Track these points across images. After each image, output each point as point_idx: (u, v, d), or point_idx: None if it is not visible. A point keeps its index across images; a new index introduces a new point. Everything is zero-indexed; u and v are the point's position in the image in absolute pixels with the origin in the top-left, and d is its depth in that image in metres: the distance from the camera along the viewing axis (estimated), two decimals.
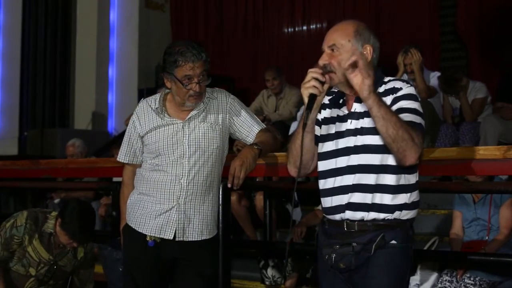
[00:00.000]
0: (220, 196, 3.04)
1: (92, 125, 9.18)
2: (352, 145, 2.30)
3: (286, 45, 8.41)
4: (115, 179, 4.78)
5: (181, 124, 2.86)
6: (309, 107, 2.26)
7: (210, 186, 2.89)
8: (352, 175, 2.28)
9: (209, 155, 2.86)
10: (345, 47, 2.28)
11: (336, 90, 2.44)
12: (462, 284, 3.89)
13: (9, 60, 9.71)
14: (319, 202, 2.46)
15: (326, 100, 2.46)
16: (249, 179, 3.09)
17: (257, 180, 4.45)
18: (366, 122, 2.27)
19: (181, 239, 2.83)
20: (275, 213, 4.79)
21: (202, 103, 2.88)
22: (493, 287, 3.92)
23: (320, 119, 2.44)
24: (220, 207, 3.06)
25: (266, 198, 4.76)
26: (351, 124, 2.32)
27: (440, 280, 4.00)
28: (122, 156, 3.01)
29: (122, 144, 3.03)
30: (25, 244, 3.65)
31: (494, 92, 5.54)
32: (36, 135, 8.74)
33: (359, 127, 2.30)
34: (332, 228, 2.35)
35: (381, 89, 2.32)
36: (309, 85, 2.24)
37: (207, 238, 2.89)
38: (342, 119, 2.36)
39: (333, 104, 2.43)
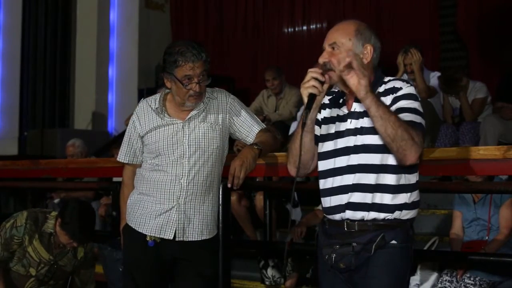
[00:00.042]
0: (220, 196, 3.04)
1: (92, 125, 9.18)
2: (352, 145, 2.30)
3: (286, 45, 8.41)
4: (115, 179, 4.78)
5: (181, 124, 2.86)
6: (309, 107, 2.26)
7: (210, 186, 2.89)
8: (352, 175, 2.28)
9: (209, 155, 2.86)
10: (345, 46, 2.28)
11: (336, 90, 2.44)
12: (462, 284, 3.89)
13: (9, 60, 9.71)
14: (319, 202, 2.46)
15: (326, 100, 2.46)
16: (249, 179, 3.09)
17: (257, 180, 4.45)
18: (365, 122, 2.27)
19: (181, 239, 2.83)
20: (275, 213, 4.79)
21: (202, 103, 2.88)
22: (493, 287, 3.92)
23: (320, 119, 2.44)
24: (220, 207, 3.06)
25: (266, 198, 4.77)
26: (351, 124, 2.32)
27: (440, 280, 4.00)
28: (122, 156, 3.01)
29: (122, 144, 3.03)
30: (25, 244, 3.65)
31: (494, 92, 5.54)
32: (36, 135, 8.74)
33: (358, 126, 2.30)
34: (332, 228, 2.35)
35: (381, 89, 2.32)
36: (309, 85, 2.24)
37: (207, 238, 2.89)
38: (342, 118, 2.36)
39: (333, 104, 2.43)
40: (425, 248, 4.22)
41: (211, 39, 8.98)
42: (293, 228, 4.65)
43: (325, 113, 2.45)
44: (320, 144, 2.42)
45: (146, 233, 2.85)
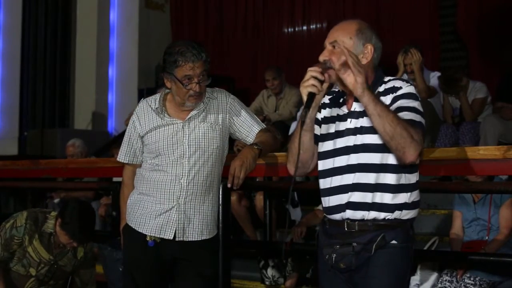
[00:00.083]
0: (220, 196, 3.04)
1: (92, 125, 9.18)
2: (352, 144, 2.30)
3: (286, 45, 8.41)
4: (115, 179, 4.78)
5: (181, 124, 2.86)
6: (308, 106, 2.26)
7: (210, 186, 2.89)
8: (352, 174, 2.28)
9: (209, 155, 2.86)
10: (346, 44, 2.28)
11: (336, 90, 2.44)
12: (462, 284, 3.89)
13: (9, 60, 9.71)
14: (319, 202, 2.46)
15: (326, 99, 2.46)
16: (249, 179, 3.09)
17: (257, 180, 4.45)
18: (365, 121, 2.27)
19: (181, 239, 2.83)
20: (275, 213, 4.79)
21: (202, 103, 2.88)
22: (493, 287, 3.92)
23: (320, 119, 2.44)
24: (220, 207, 3.06)
25: (266, 198, 4.77)
26: (350, 123, 2.32)
27: (440, 280, 4.00)
28: (122, 156, 3.01)
29: (122, 144, 3.03)
30: (25, 244, 3.65)
31: (494, 92, 5.54)
32: (36, 135, 8.74)
33: (358, 126, 2.30)
34: (333, 228, 2.35)
35: (381, 89, 2.32)
36: (308, 84, 2.24)
37: (207, 238, 2.89)
38: (342, 118, 2.37)
39: (333, 104, 2.43)
40: (425, 248, 4.22)
41: (211, 39, 8.98)
42: (293, 228, 4.66)
43: (325, 112, 2.45)
44: (320, 143, 2.42)
45: (146, 233, 2.85)
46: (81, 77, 9.38)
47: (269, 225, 4.72)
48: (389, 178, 2.25)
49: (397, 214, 2.26)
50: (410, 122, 2.17)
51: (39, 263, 3.68)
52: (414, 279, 4.08)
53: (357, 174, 2.27)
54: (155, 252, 2.85)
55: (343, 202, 2.30)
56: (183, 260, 2.87)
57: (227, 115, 2.94)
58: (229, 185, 2.84)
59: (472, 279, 3.87)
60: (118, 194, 3.27)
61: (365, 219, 2.26)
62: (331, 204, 2.34)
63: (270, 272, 4.65)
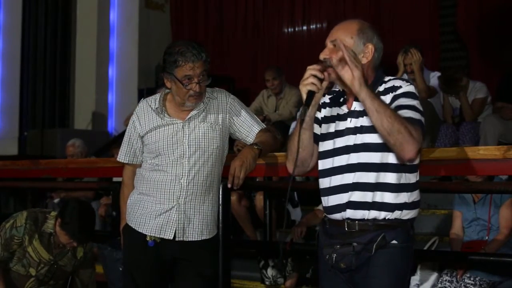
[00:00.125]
0: (220, 196, 3.04)
1: (92, 125, 9.18)
2: (352, 144, 2.30)
3: (286, 45, 8.41)
4: (115, 179, 4.78)
5: (181, 124, 2.86)
6: (307, 103, 2.26)
7: (210, 186, 2.89)
8: (352, 174, 2.28)
9: (209, 155, 2.86)
10: (347, 43, 2.29)
11: (337, 89, 2.45)
12: (462, 284, 3.89)
13: (9, 60, 9.71)
14: (319, 202, 2.46)
15: (326, 99, 2.47)
16: (249, 179, 3.10)
17: (257, 180, 4.45)
18: (365, 121, 2.27)
19: (181, 239, 2.83)
20: (275, 213, 4.79)
21: (202, 103, 2.88)
22: (493, 287, 3.92)
23: (320, 118, 2.45)
24: (220, 207, 3.06)
25: (266, 198, 4.77)
26: (350, 123, 2.33)
27: (440, 280, 4.00)
28: (122, 156, 3.01)
29: (122, 144, 3.03)
30: (25, 244, 3.65)
31: (494, 92, 5.54)
32: (36, 135, 8.74)
33: (358, 125, 2.30)
34: (333, 228, 2.35)
35: (381, 88, 2.32)
36: (308, 82, 2.24)
37: (207, 238, 2.89)
38: (342, 117, 2.37)
39: (334, 103, 2.43)
40: (425, 248, 4.22)
41: (211, 39, 8.98)
42: (293, 228, 4.65)
43: (325, 112, 2.45)
44: (320, 143, 2.42)
45: (146, 233, 2.85)
46: (81, 77, 9.38)
47: (269, 225, 4.72)
48: (390, 177, 2.25)
49: (397, 214, 2.26)
50: (409, 120, 2.17)
51: (39, 263, 3.68)
52: (414, 279, 4.08)
53: (357, 173, 2.27)
54: (155, 252, 2.85)
55: (343, 201, 2.30)
56: (183, 260, 2.87)
57: (227, 115, 2.94)
58: (229, 185, 2.84)
59: (472, 279, 3.88)
60: (118, 194, 3.27)
61: (366, 218, 2.26)
62: (331, 204, 2.34)
63: (270, 272, 4.65)
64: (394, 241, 2.26)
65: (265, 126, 3.06)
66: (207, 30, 9.14)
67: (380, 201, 2.25)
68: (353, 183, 2.28)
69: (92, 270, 3.90)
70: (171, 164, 2.83)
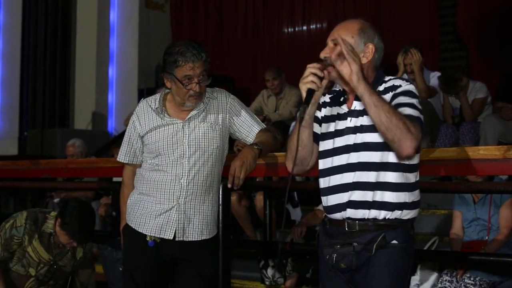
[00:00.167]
0: (220, 196, 3.04)
1: (92, 125, 9.18)
2: (352, 143, 2.30)
3: (286, 45, 8.41)
4: (115, 179, 4.78)
5: (181, 124, 2.86)
6: (307, 102, 2.26)
7: (210, 186, 2.89)
8: (352, 173, 2.28)
9: (209, 155, 2.86)
10: (347, 43, 2.29)
11: (337, 89, 2.45)
12: (462, 284, 3.89)
13: (9, 60, 9.71)
14: (319, 202, 2.47)
15: (327, 98, 2.47)
16: (249, 179, 3.10)
17: (257, 180, 4.45)
18: (366, 120, 2.27)
19: (181, 239, 2.83)
20: (275, 213, 4.79)
21: (202, 103, 2.88)
22: (493, 287, 3.92)
23: (320, 117, 2.45)
24: (220, 207, 3.06)
25: (266, 198, 4.77)
26: (350, 122, 2.33)
27: (440, 280, 4.00)
28: (122, 156, 3.01)
29: (122, 144, 3.03)
30: (25, 244, 3.65)
31: (494, 92, 5.54)
32: (36, 135, 8.74)
33: (358, 125, 2.30)
34: (333, 228, 2.35)
35: (381, 88, 2.32)
36: (307, 80, 2.25)
37: (207, 238, 2.89)
38: (342, 117, 2.37)
39: (334, 102, 2.44)
40: (425, 248, 4.22)
41: (211, 39, 8.98)
42: (293, 228, 4.66)
43: (325, 111, 2.45)
44: (320, 142, 2.43)
45: (146, 233, 2.85)
46: (81, 77, 9.38)
47: (269, 225, 4.72)
48: (390, 177, 2.25)
49: (397, 214, 2.26)
50: (409, 117, 2.17)
51: (39, 263, 3.68)
52: (414, 279, 4.08)
53: (357, 172, 2.27)
54: (155, 252, 2.85)
55: (344, 201, 2.30)
56: (183, 260, 2.87)
57: (227, 115, 2.94)
58: (229, 186, 2.84)
59: (472, 279, 3.88)
60: (118, 194, 3.26)
61: (366, 218, 2.26)
62: (331, 203, 2.34)
63: (270, 272, 4.65)
64: (394, 241, 2.26)
65: (265, 126, 3.06)
66: (207, 30, 9.14)
67: (380, 200, 2.25)
68: (353, 182, 2.28)
69: (91, 271, 3.90)
70: (171, 164, 2.83)
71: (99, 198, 6.12)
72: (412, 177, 2.30)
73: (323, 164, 2.39)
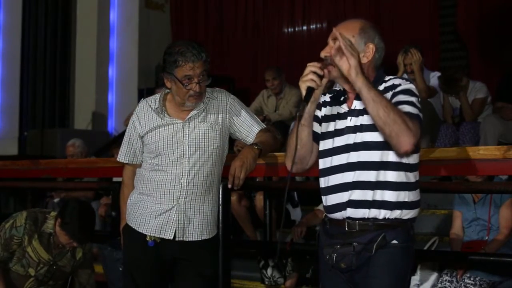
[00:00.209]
0: (220, 196, 3.04)
1: (92, 125, 9.18)
2: (352, 142, 2.30)
3: (286, 45, 8.41)
4: (115, 179, 4.78)
5: (181, 124, 2.86)
6: (306, 99, 2.27)
7: (210, 186, 2.89)
8: (352, 172, 2.28)
9: (209, 155, 2.86)
10: (346, 38, 2.29)
11: (338, 89, 2.45)
12: (462, 284, 3.89)
13: (9, 60, 9.71)
14: (319, 202, 2.47)
15: (327, 97, 2.47)
16: (249, 179, 3.09)
17: (257, 180, 4.45)
18: (366, 119, 2.28)
19: (181, 239, 2.83)
20: (275, 213, 4.79)
21: (202, 103, 2.88)
22: (493, 287, 3.92)
23: (320, 117, 2.45)
24: (220, 207, 3.06)
25: (266, 198, 4.77)
26: (350, 122, 2.33)
27: (440, 280, 4.00)
28: (122, 156, 3.01)
29: (122, 144, 3.03)
30: (25, 244, 3.65)
31: (494, 92, 5.54)
32: (36, 135, 8.74)
33: (358, 124, 2.30)
34: (334, 228, 2.35)
35: (381, 87, 2.32)
36: (307, 79, 2.25)
37: (207, 238, 2.89)
38: (342, 116, 2.37)
39: (334, 102, 2.44)
40: (425, 248, 4.22)
41: (211, 39, 8.98)
42: (293, 228, 4.66)
43: (325, 110, 2.45)
44: (321, 142, 2.43)
45: (146, 233, 2.85)
46: (81, 77, 9.38)
47: (269, 225, 4.72)
48: (390, 176, 2.25)
49: (397, 214, 2.26)
50: (408, 114, 2.17)
51: (38, 263, 3.68)
52: (414, 279, 4.08)
53: (357, 172, 2.27)
54: (155, 252, 2.85)
55: (344, 200, 2.30)
56: (183, 260, 2.87)
57: (227, 115, 2.94)
58: (229, 186, 2.84)
59: (472, 279, 3.88)
60: (118, 194, 3.27)
61: (366, 217, 2.26)
62: (331, 203, 2.34)
63: (270, 272, 4.65)
64: (394, 241, 2.26)
65: (265, 126, 3.06)
66: (207, 30, 9.14)
67: (380, 199, 2.25)
68: (353, 181, 2.28)
69: (90, 272, 3.89)
70: (171, 164, 2.83)
71: (99, 198, 6.12)
72: (412, 177, 2.30)
73: (323, 163, 2.39)
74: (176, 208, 2.82)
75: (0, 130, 9.57)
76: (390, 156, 2.25)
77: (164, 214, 2.83)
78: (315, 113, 2.43)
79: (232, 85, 7.92)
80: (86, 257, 3.82)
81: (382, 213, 2.26)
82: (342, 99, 2.41)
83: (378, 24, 7.17)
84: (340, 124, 2.36)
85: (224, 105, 2.94)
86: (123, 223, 3.02)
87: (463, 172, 3.46)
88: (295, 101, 6.43)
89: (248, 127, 2.97)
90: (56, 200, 6.22)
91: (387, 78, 2.36)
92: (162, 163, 2.85)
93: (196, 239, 2.85)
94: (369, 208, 2.26)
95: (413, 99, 2.25)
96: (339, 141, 2.34)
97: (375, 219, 2.26)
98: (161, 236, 2.83)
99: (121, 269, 3.60)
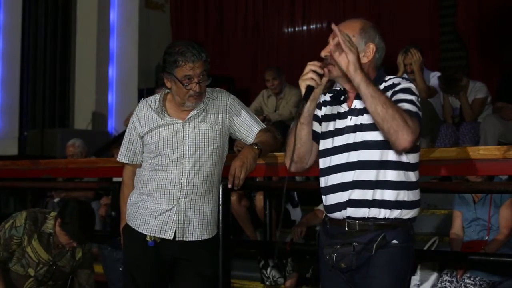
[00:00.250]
0: (220, 196, 3.04)
1: (92, 125, 9.18)
2: (352, 142, 2.30)
3: (286, 45, 8.41)
4: (115, 179, 4.78)
5: (181, 124, 2.86)
6: (306, 98, 2.27)
7: (210, 186, 2.89)
8: (352, 172, 2.28)
9: (209, 155, 2.86)
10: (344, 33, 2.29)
11: (338, 88, 2.45)
12: (462, 284, 3.89)
13: (9, 60, 9.71)
14: (319, 202, 2.47)
15: (327, 97, 2.47)
16: (249, 179, 3.09)
17: (257, 180, 4.45)
18: (366, 119, 2.28)
19: (181, 239, 2.83)
20: (275, 213, 4.79)
21: (202, 103, 2.88)
22: (493, 287, 3.92)
23: (320, 116, 2.45)
24: (220, 207, 3.06)
25: (266, 198, 4.77)
26: (350, 121, 2.33)
27: (440, 280, 4.00)
28: (122, 156, 3.01)
29: (122, 144, 3.03)
30: (24, 244, 3.65)
31: (494, 92, 5.54)
32: (36, 135, 8.74)
33: (358, 123, 2.31)
34: (334, 228, 2.35)
35: (381, 87, 2.32)
36: (307, 77, 2.26)
37: (207, 238, 2.89)
38: (342, 116, 2.37)
39: (334, 101, 2.44)
40: (425, 248, 4.22)
41: (211, 39, 8.98)
42: (293, 228, 4.66)
43: (325, 110, 2.45)
44: (321, 141, 2.43)
45: (146, 233, 2.85)
46: (81, 77, 9.38)
47: (269, 225, 4.72)
48: (390, 175, 2.25)
49: (397, 213, 2.26)
50: (407, 112, 2.17)
51: (38, 264, 3.68)
52: (414, 279, 4.08)
53: (357, 171, 2.27)
54: (155, 252, 2.85)
55: (344, 200, 2.30)
56: (183, 260, 2.87)
57: (227, 115, 2.94)
58: (229, 186, 2.84)
59: (472, 279, 3.88)
60: (118, 194, 3.27)
61: (366, 217, 2.26)
62: (331, 202, 2.34)
63: (270, 272, 4.65)
64: (394, 241, 2.26)
65: (265, 126, 3.06)
66: (207, 30, 9.14)
67: (380, 198, 2.25)
68: (353, 181, 2.28)
69: (90, 272, 3.88)
70: (171, 164, 2.83)
71: (99, 198, 6.12)
72: (412, 176, 2.30)
73: (323, 163, 2.39)
74: (176, 208, 2.82)
75: (0, 130, 9.57)
76: (390, 155, 2.25)
77: (164, 214, 2.83)
78: (315, 113, 2.43)
79: (232, 85, 7.91)
80: (86, 257, 3.82)
81: (382, 213, 2.26)
82: (342, 98, 2.41)
83: (378, 24, 7.12)
84: (340, 123, 2.36)
85: (224, 105, 2.94)
86: (123, 223, 3.02)
87: (463, 172, 3.46)
88: (295, 101, 6.42)
89: (248, 127, 2.97)
90: (56, 200, 6.22)
91: (387, 77, 2.37)
92: (162, 163, 2.85)
93: (196, 239, 2.85)
94: (369, 208, 2.26)
95: (413, 97, 2.25)
96: (339, 140, 2.34)
97: (375, 218, 2.26)
98: (161, 236, 2.83)
99: (121, 269, 3.60)
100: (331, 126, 2.40)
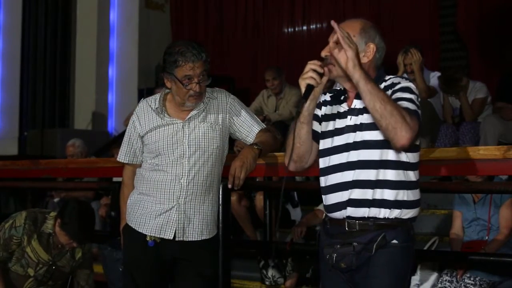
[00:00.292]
0: (220, 196, 3.04)
1: (92, 125, 9.19)
2: (352, 141, 2.31)
3: (286, 45, 8.41)
4: (115, 179, 4.78)
5: (181, 124, 2.86)
6: (305, 97, 2.27)
7: (210, 186, 2.89)
8: (352, 171, 2.29)
9: (209, 155, 2.86)
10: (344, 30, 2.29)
11: (338, 88, 2.45)
12: (462, 284, 3.89)
13: (9, 60, 9.71)
14: (319, 202, 2.47)
15: (327, 97, 2.48)
16: (249, 179, 3.09)
17: (257, 180, 4.45)
18: (365, 118, 2.28)
19: (181, 239, 2.83)
20: (275, 213, 4.79)
21: (202, 103, 2.88)
22: (493, 287, 3.92)
23: (320, 116, 2.45)
24: (220, 207, 3.06)
25: (266, 198, 4.77)
26: (350, 121, 2.33)
27: (440, 280, 4.00)
28: (122, 156, 3.01)
29: (122, 144, 3.03)
30: (24, 244, 3.65)
31: (494, 92, 5.54)
32: (36, 135, 8.74)
33: (358, 123, 2.31)
34: (334, 228, 2.35)
35: (381, 86, 2.32)
36: (307, 76, 2.26)
37: (207, 238, 2.89)
38: (342, 115, 2.38)
39: (334, 101, 2.44)
40: (425, 248, 4.22)
41: (211, 39, 8.98)
42: (293, 228, 4.66)
43: (325, 109, 2.46)
44: (321, 141, 2.43)
45: (146, 233, 2.85)
46: (81, 77, 9.38)
47: (269, 225, 4.72)
48: (390, 175, 2.25)
49: (397, 213, 2.26)
50: (406, 110, 2.17)
51: (38, 264, 3.68)
52: (414, 279, 4.08)
53: (357, 171, 2.28)
54: (155, 252, 2.85)
55: (344, 199, 2.30)
56: (183, 260, 2.87)
57: (227, 115, 2.94)
58: (229, 186, 2.84)
59: (472, 279, 3.88)
60: (118, 194, 3.27)
61: (366, 216, 2.26)
62: (331, 202, 2.34)
63: (270, 272, 4.65)
64: (394, 241, 2.26)
65: (265, 126, 3.06)
66: (207, 30, 9.14)
67: (380, 198, 2.25)
68: (353, 180, 2.28)
69: (90, 272, 3.87)
70: (171, 164, 2.83)
71: (99, 198, 6.12)
72: (412, 176, 2.30)
73: (323, 162, 2.39)
74: (176, 208, 2.83)
75: (0, 130, 9.58)
76: (390, 155, 2.26)
77: (164, 214, 2.83)
78: (315, 112, 2.43)
79: (232, 85, 7.91)
80: (86, 258, 3.82)
81: (382, 212, 2.26)
82: (342, 98, 2.41)
83: (378, 24, 7.11)
84: (340, 123, 2.36)
85: (224, 105, 2.94)
86: (123, 223, 3.02)
87: (463, 172, 3.46)
88: (295, 101, 6.42)
89: (248, 127, 2.97)
90: (56, 200, 6.22)
91: (387, 77, 2.37)
92: (162, 163, 2.85)
93: (196, 239, 2.85)
94: (369, 207, 2.26)
95: (412, 96, 2.25)
96: (339, 140, 2.35)
97: (375, 218, 2.26)
98: (161, 236, 2.83)
99: (121, 269, 3.59)
100: (331, 125, 2.40)
